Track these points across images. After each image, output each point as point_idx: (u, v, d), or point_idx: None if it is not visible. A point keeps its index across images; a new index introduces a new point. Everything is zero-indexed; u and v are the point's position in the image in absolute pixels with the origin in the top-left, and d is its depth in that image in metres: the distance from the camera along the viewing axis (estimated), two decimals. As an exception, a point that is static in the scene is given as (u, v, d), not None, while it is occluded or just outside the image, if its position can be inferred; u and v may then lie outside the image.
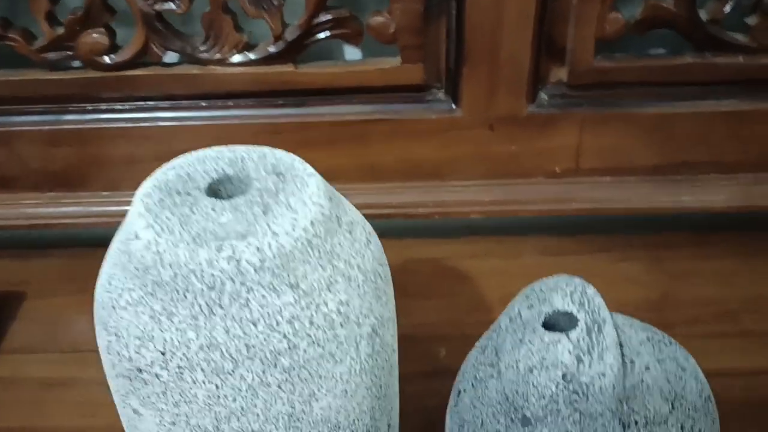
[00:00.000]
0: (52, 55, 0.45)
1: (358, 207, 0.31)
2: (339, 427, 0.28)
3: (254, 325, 0.25)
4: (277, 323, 0.25)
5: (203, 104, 0.47)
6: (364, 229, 0.29)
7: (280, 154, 0.29)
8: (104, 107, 0.47)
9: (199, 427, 0.27)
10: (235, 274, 0.25)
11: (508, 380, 0.30)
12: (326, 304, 0.26)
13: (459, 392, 0.33)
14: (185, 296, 0.25)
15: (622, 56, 0.46)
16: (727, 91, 0.46)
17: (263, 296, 0.25)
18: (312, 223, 0.26)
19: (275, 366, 0.26)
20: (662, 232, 0.53)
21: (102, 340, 0.27)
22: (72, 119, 0.48)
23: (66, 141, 0.48)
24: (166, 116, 0.47)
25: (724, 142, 0.48)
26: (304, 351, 0.26)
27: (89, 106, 0.47)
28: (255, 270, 0.25)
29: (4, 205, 0.50)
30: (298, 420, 0.27)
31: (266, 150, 0.29)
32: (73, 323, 0.47)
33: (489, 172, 0.49)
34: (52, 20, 0.44)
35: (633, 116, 0.47)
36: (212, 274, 0.25)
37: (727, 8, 0.43)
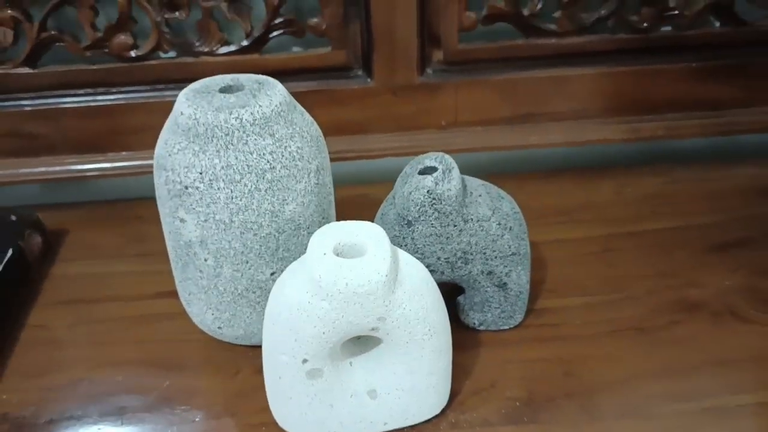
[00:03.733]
0: (92, 52, 0.66)
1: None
2: (300, 227, 0.49)
3: (251, 154, 0.46)
4: (264, 154, 0.46)
5: (196, 84, 0.68)
6: (310, 117, 0.51)
7: (259, 76, 0.50)
8: (126, 89, 0.68)
9: (221, 221, 0.47)
10: (239, 127, 0.45)
11: (398, 203, 0.51)
12: (290, 147, 0.47)
13: (375, 221, 0.53)
14: (212, 140, 0.45)
15: (480, 42, 0.69)
16: (549, 63, 0.70)
17: (255, 139, 0.46)
18: (280, 103, 0.47)
19: (263, 178, 0.46)
20: (522, 170, 0.76)
21: (160, 177, 0.47)
22: (103, 99, 0.68)
23: (98, 115, 0.68)
24: (170, 94, 0.68)
25: (553, 98, 0.71)
26: (279, 171, 0.46)
27: (114, 89, 0.68)
28: (250, 124, 0.46)
29: (51, 164, 0.70)
30: (277, 216, 0.47)
31: (250, 74, 0.50)
32: (106, 244, 0.67)
33: (395, 126, 0.71)
34: (94, 27, 0.65)
35: (490, 82, 0.70)
36: (227, 127, 0.45)
37: (539, 6, 0.67)
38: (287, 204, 0.48)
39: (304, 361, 0.43)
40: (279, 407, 0.46)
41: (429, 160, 0.53)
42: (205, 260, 0.49)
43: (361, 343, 0.46)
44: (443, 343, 0.45)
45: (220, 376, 0.52)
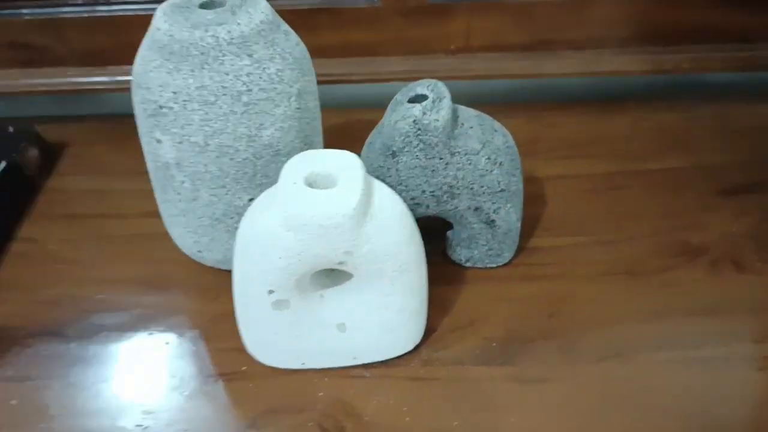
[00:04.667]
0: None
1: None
2: (279, 153, 0.47)
3: (227, 74, 0.44)
4: (240, 75, 0.44)
5: None
6: (296, 37, 0.48)
7: (243, -8, 0.48)
8: (127, 1, 0.66)
9: (196, 143, 0.45)
10: (215, 45, 0.43)
11: (384, 132, 0.49)
12: (269, 68, 0.45)
13: (363, 150, 0.52)
14: (187, 59, 0.44)
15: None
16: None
17: (232, 59, 0.44)
18: (261, 21, 0.45)
19: (239, 101, 0.44)
20: (535, 100, 0.72)
21: (137, 95, 0.46)
22: (103, 10, 0.66)
23: (99, 26, 0.67)
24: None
25: (571, 24, 0.67)
26: (256, 94, 0.45)
27: (114, 1, 0.66)
28: (227, 43, 0.44)
29: (52, 76, 0.69)
30: (253, 141, 0.46)
31: (235, -11, 0.48)
32: (105, 159, 0.66)
33: (405, 50, 0.68)
34: (90, -67, 0.63)
35: (505, 5, 0.66)
36: (202, 45, 0.43)
37: None
38: (265, 129, 0.46)
39: (270, 291, 0.42)
40: (248, 334, 0.46)
41: (421, 87, 0.50)
42: (182, 183, 0.48)
43: (334, 275, 0.45)
44: (416, 281, 0.44)
45: (200, 299, 0.52)
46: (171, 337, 0.49)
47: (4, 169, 0.60)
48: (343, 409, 0.44)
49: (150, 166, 0.49)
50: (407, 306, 0.44)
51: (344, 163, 0.43)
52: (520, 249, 0.54)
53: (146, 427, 0.43)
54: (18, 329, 0.50)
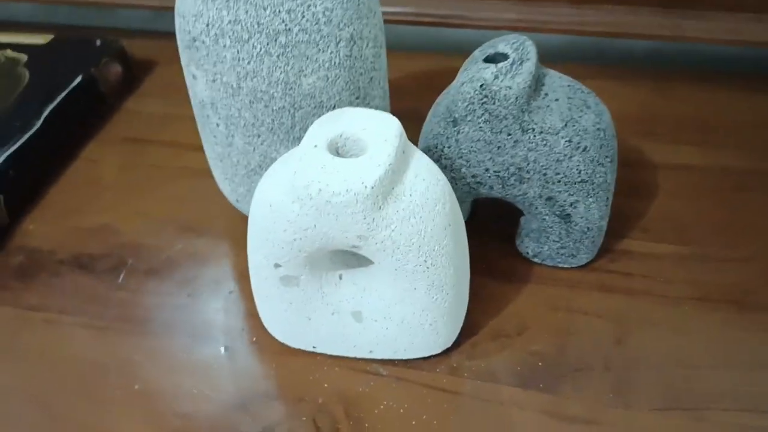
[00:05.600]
0: None
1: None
2: (322, 105, 0.41)
3: (264, 9, 0.38)
4: (279, 11, 0.38)
5: None
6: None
7: None
8: None
9: (229, 84, 0.40)
10: (255, -26, 0.37)
11: (450, 95, 0.41)
12: (315, 6, 0.38)
13: (429, 111, 0.44)
14: (223, -13, 0.38)
15: None
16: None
17: (272, -8, 0.38)
18: (311, -51, 0.38)
19: (275, 41, 0.38)
20: (667, 65, 0.60)
21: (177, 23, 0.41)
22: None
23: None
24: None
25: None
26: (296, 34, 0.38)
27: None
28: (267, -27, 0.37)
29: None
30: (292, 89, 0.40)
31: None
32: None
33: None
34: None
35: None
36: (240, -27, 0.38)
37: None
38: (305, 76, 0.40)
39: (276, 266, 0.37)
40: (260, 305, 0.41)
41: (504, 44, 0.42)
42: (217, 125, 0.43)
43: (359, 255, 0.39)
44: (445, 279, 0.37)
45: (233, 252, 0.48)
46: (190, 291, 0.45)
47: (79, 83, 0.58)
48: (345, 408, 0.38)
49: (192, 102, 0.45)
50: (432, 306, 0.37)
51: (380, 127, 0.36)
52: (605, 250, 0.45)
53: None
54: (50, 254, 0.48)
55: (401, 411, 0.38)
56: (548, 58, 0.64)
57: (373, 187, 0.33)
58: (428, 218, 0.35)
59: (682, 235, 0.46)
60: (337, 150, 0.36)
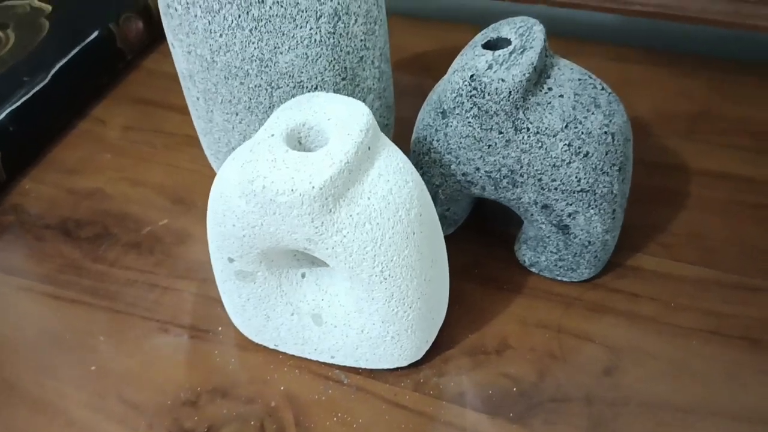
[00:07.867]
0: None
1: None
2: (302, 85, 0.38)
3: (236, -21, 0.35)
4: (253, -18, 0.35)
5: None
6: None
7: None
8: None
9: (203, 57, 0.37)
10: (228, -62, 0.34)
11: (441, 84, 0.37)
12: (293, -23, 0.35)
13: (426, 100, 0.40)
14: (196, -49, 0.35)
15: None
16: None
17: (246, -41, 0.34)
18: None
19: (247, 14, 0.35)
20: (728, 56, 0.54)
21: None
22: None
23: None
24: None
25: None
26: (270, 7, 0.35)
27: None
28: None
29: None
30: (267, 66, 0.37)
31: None
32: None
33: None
34: None
35: None
36: (213, -64, 0.34)
37: None
38: (281, 53, 0.36)
39: (230, 260, 0.34)
40: (223, 297, 0.38)
41: (508, 27, 0.37)
42: (197, 99, 0.40)
43: (323, 253, 0.36)
44: (407, 292, 0.33)
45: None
46: (170, 271, 0.43)
47: (94, 39, 0.56)
48: (296, 415, 0.36)
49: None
50: (393, 319, 0.34)
51: (349, 119, 0.32)
52: (614, 264, 0.40)
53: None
54: (38, 218, 0.47)
55: (354, 426, 0.35)
56: (592, 36, 0.58)
57: (321, 188, 0.30)
58: (387, 225, 0.31)
59: (707, 256, 0.41)
60: (299, 140, 0.33)
